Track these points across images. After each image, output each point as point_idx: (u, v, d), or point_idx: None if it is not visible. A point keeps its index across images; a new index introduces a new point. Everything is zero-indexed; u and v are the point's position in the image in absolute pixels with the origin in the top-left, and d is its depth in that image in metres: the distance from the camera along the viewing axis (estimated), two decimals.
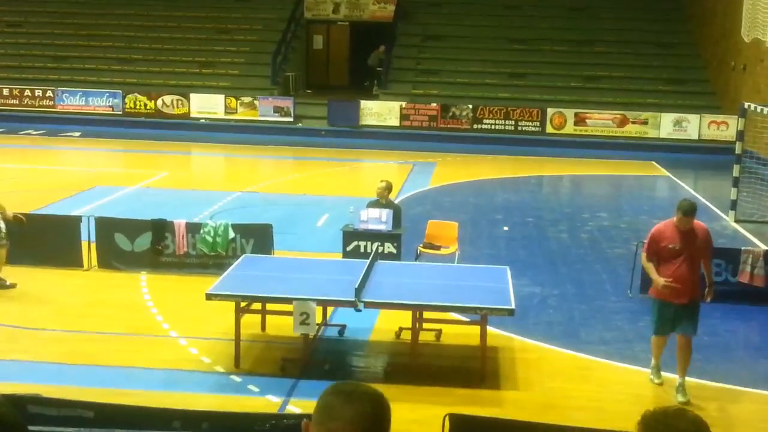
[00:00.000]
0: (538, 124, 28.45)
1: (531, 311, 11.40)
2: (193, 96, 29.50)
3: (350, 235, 12.47)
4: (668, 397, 8.71)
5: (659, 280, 8.75)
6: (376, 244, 12.11)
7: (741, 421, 7.81)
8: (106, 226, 12.93)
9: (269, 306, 9.83)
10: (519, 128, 28.53)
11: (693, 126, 27.73)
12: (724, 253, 12.44)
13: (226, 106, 29.32)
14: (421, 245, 12.85)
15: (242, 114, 29.26)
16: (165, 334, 10.30)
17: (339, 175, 22.41)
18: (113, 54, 31.54)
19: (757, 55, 25.18)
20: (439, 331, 10.18)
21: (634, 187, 22.39)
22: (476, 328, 9.27)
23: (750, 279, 11.97)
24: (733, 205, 17.45)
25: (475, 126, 28.62)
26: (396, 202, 14.67)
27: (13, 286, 11.81)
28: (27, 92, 29.92)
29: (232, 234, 12.43)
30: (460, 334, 10.08)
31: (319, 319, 9.57)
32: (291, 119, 29.13)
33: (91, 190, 18.61)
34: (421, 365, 9.32)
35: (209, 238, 12.37)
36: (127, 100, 29.64)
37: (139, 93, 29.71)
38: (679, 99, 28.91)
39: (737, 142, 17.67)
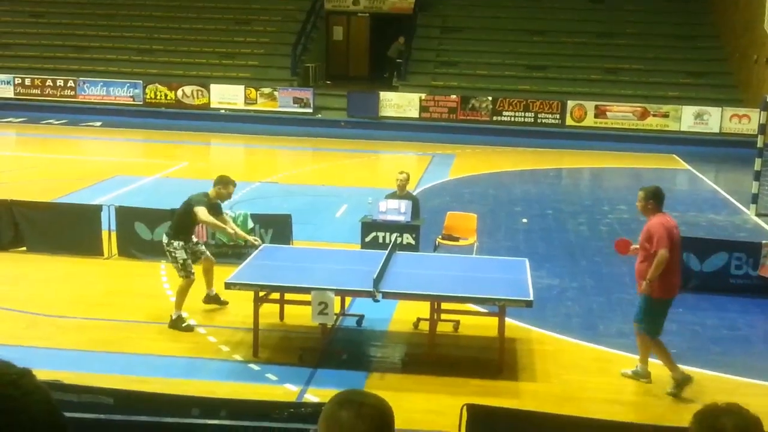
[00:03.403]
0: (558, 116, 28.34)
1: (549, 303, 11.37)
2: (213, 86, 29.57)
3: (369, 225, 12.49)
4: (687, 391, 8.68)
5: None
6: (394, 235, 12.13)
7: (760, 415, 7.76)
8: (127, 216, 13.01)
9: (288, 296, 9.87)
10: (539, 120, 28.42)
11: (714, 119, 27.53)
12: (745, 247, 12.39)
13: (245, 97, 29.38)
14: (440, 236, 12.85)
15: (262, 105, 29.31)
16: (184, 323, 10.35)
17: (358, 166, 22.42)
18: (134, 44, 31.67)
19: None
20: (457, 322, 10.19)
21: (655, 180, 21.96)
22: (494, 320, 9.27)
23: None
24: (755, 198, 17.33)
25: (494, 118, 28.54)
26: (415, 193, 14.67)
27: (225, 303, 10.84)
28: (48, 82, 30.08)
29: (251, 224, 12.46)
30: (478, 325, 10.08)
31: (337, 309, 9.60)
32: (310, 110, 29.15)
33: (111, 179, 18.72)
34: (438, 356, 9.34)
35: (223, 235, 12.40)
36: (147, 91, 29.75)
37: (160, 83, 29.80)
38: (700, 92, 28.70)
39: (759, 136, 17.54)
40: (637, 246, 9.00)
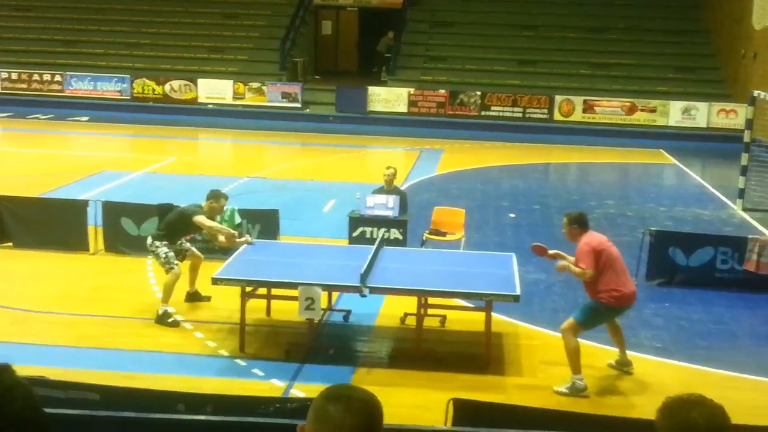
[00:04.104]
0: (546, 111, 28.38)
1: (536, 298, 11.40)
2: (201, 81, 29.49)
3: (356, 220, 12.49)
4: (673, 385, 8.71)
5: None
6: (382, 230, 12.13)
7: (745, 409, 7.81)
8: (113, 211, 12.97)
9: (275, 291, 9.86)
10: (527, 115, 28.45)
11: (702, 114, 27.61)
12: (731, 241, 12.45)
13: (234, 92, 29.30)
14: (428, 231, 12.86)
15: (250, 99, 29.25)
16: (171, 318, 10.32)
17: (346, 161, 22.41)
18: (122, 38, 31.54)
19: (767, 42, 25.04)
20: (444, 317, 10.20)
21: (642, 175, 22.33)
22: (481, 315, 9.28)
23: (756, 267, 11.96)
24: (741, 193, 17.40)
25: (483, 113, 28.55)
26: (403, 188, 14.67)
27: (207, 298, 10.88)
28: (35, 76, 29.94)
29: (238, 219, 12.43)
30: (465, 320, 10.09)
31: (324, 304, 9.60)
32: (299, 105, 29.10)
33: (98, 174, 18.64)
34: (425, 351, 9.35)
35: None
36: (135, 85, 29.65)
37: (148, 78, 29.71)
38: (688, 87, 28.78)
39: (746, 131, 17.61)
40: (554, 252, 9.22)
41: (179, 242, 10.64)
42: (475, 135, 26.22)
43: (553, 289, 11.96)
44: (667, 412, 2.71)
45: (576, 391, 8.54)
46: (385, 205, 12.45)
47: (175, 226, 10.48)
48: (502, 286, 9.32)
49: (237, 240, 10.62)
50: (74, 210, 13.08)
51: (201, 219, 10.27)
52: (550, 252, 9.24)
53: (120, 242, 12.82)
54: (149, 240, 10.49)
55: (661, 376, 9.18)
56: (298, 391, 8.35)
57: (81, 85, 29.86)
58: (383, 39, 31.84)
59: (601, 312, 8.74)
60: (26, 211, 13.18)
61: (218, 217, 12.22)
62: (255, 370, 8.91)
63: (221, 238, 10.55)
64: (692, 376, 9.22)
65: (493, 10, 32.33)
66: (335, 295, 10.56)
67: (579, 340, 8.74)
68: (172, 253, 10.30)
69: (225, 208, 11.84)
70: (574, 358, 8.59)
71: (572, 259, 8.97)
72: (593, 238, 8.85)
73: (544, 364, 9.37)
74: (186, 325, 10.14)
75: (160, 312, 10.11)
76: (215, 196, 10.59)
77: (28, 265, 12.24)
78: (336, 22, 35.60)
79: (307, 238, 13.23)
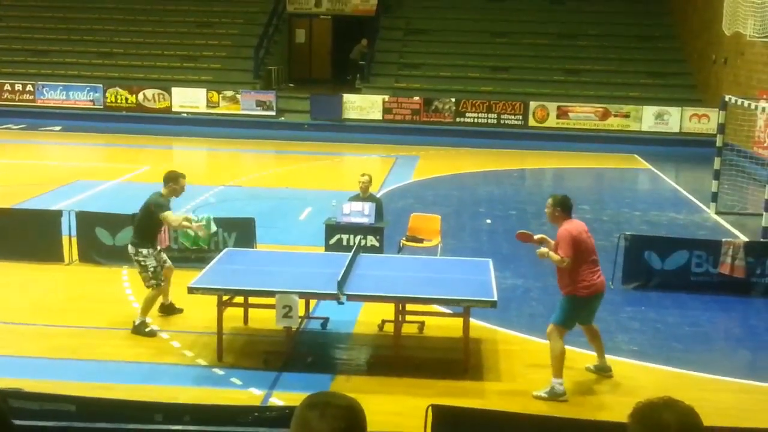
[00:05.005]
0: (520, 117, 28.49)
1: (513, 303, 11.43)
2: (174, 90, 29.35)
3: (333, 228, 12.48)
4: (650, 387, 8.76)
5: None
6: (358, 237, 12.12)
7: (721, 410, 7.87)
8: (88, 221, 12.87)
9: (252, 299, 9.83)
10: (501, 121, 28.55)
11: (674, 119, 27.85)
12: (705, 245, 12.55)
13: (208, 100, 29.20)
14: (404, 238, 12.87)
15: (224, 108, 29.16)
16: (147, 328, 10.24)
17: (321, 168, 22.38)
18: (94, 48, 31.34)
19: (737, 48, 25.31)
20: (422, 324, 10.20)
21: (616, 180, 22.47)
22: (459, 321, 9.30)
23: (731, 270, 12.06)
24: (714, 197, 17.56)
25: (457, 119, 28.63)
26: (378, 195, 14.68)
27: (180, 311, 10.72)
28: (7, 86, 29.67)
29: (214, 228, 12.32)
30: (443, 326, 10.10)
31: (301, 312, 9.58)
32: (273, 113, 29.04)
33: (72, 184, 18.50)
34: (403, 357, 9.33)
35: (191, 232, 12.30)
36: (108, 94, 29.46)
37: (121, 87, 29.54)
38: (660, 92, 29.01)
39: (718, 135, 17.77)
40: (540, 236, 9.20)
41: (158, 249, 10.54)
42: (450, 141, 26.28)
43: (531, 294, 12.00)
44: (638, 416, 2.73)
45: (555, 396, 8.56)
46: (361, 213, 12.44)
47: (146, 224, 10.29)
48: (480, 291, 9.34)
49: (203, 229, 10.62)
50: (48, 220, 12.96)
51: (168, 216, 10.10)
52: (536, 237, 9.21)
53: (95, 252, 12.72)
54: (130, 249, 10.27)
55: (639, 379, 9.23)
56: (277, 400, 8.31)
57: (53, 95, 29.63)
58: (357, 46, 31.86)
59: (575, 305, 8.74)
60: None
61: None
62: (233, 379, 8.86)
63: (200, 233, 10.49)
64: (669, 378, 9.27)
65: (466, 17, 32.43)
66: (313, 302, 10.53)
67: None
68: (160, 268, 10.17)
69: (201, 216, 11.77)
70: (557, 361, 8.61)
71: (553, 244, 8.95)
72: (573, 225, 8.85)
73: (522, 369, 9.39)
74: (163, 334, 10.07)
75: (137, 322, 10.03)
76: (173, 177, 10.36)
77: (1, 277, 12.11)
78: (309, 30, 35.58)
79: (283, 246, 13.19)
